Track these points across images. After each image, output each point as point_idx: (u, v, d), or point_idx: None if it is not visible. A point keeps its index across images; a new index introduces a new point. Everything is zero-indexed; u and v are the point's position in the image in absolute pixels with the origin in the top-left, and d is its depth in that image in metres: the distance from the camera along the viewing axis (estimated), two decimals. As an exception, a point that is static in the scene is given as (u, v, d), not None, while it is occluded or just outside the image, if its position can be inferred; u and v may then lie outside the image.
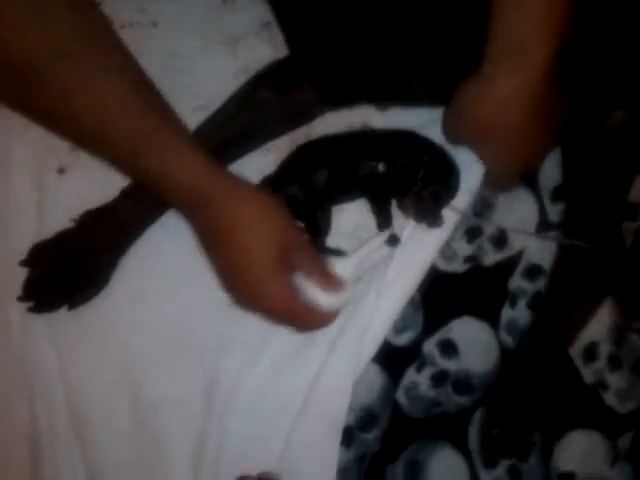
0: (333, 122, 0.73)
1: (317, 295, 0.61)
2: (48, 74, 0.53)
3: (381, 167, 0.68)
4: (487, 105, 0.62)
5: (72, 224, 0.69)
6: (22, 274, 0.68)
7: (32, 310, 0.67)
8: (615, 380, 0.70)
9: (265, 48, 0.75)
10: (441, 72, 0.64)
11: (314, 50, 0.70)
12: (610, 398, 0.70)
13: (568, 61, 0.62)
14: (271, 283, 0.59)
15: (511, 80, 0.59)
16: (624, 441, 0.70)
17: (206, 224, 0.59)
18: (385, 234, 0.68)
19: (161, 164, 0.57)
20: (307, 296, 0.61)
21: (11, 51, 0.51)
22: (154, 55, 0.74)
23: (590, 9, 0.61)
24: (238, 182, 0.61)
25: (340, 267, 0.64)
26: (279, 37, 0.75)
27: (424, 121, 0.70)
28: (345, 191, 0.70)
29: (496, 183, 0.70)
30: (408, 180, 0.68)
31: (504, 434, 0.69)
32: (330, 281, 0.62)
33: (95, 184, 0.70)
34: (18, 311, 0.68)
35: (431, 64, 0.66)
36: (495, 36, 0.59)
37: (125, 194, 0.69)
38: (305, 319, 0.62)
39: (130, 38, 0.73)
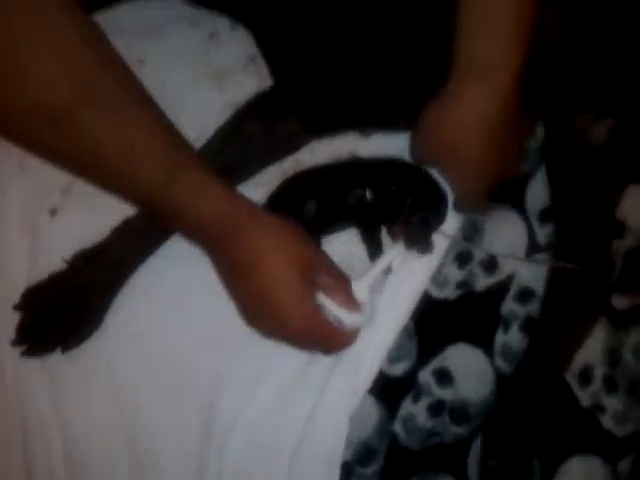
0: (320, 152, 0.74)
1: (341, 314, 0.61)
2: (77, 118, 0.52)
3: (369, 195, 0.68)
4: (452, 125, 0.61)
5: (64, 265, 0.69)
6: (15, 315, 0.68)
7: (25, 354, 0.67)
8: (611, 403, 0.70)
9: (252, 82, 0.76)
10: (417, 98, 0.64)
11: (297, 79, 0.71)
12: (607, 421, 0.70)
13: (548, 68, 0.62)
14: (298, 305, 0.59)
15: (476, 98, 0.59)
16: (624, 465, 0.69)
17: (229, 253, 0.59)
18: (392, 253, 0.68)
19: (186, 198, 0.56)
20: (331, 316, 0.61)
21: (40, 97, 0.51)
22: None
23: (569, 10, 0.61)
24: (258, 209, 0.62)
25: (356, 289, 0.64)
26: (265, 70, 0.75)
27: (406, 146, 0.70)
28: (335, 221, 0.71)
29: (465, 204, 0.69)
30: (397, 207, 0.68)
31: (503, 465, 0.68)
32: (353, 300, 0.62)
33: (87, 225, 0.71)
34: (11, 354, 0.67)
35: (407, 90, 0.66)
36: (460, 53, 0.58)
37: (115, 233, 0.69)
38: (332, 339, 0.62)
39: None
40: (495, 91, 0.58)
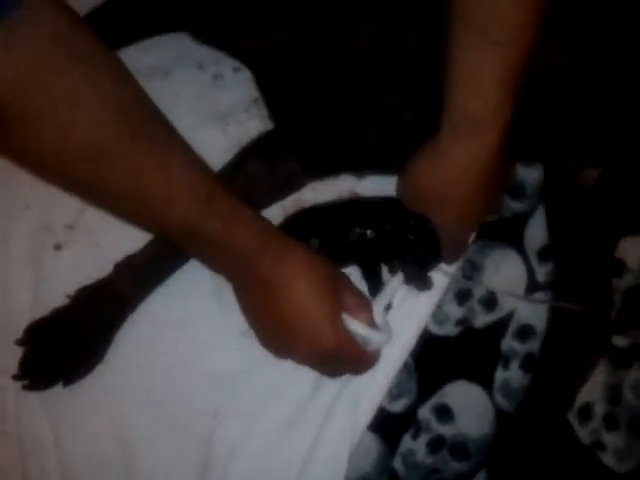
0: (322, 191, 0.75)
1: (368, 333, 0.63)
2: (120, 154, 0.52)
3: (369, 233, 0.69)
4: (441, 175, 0.62)
5: (67, 300, 0.69)
6: (18, 350, 0.68)
7: (27, 388, 0.67)
8: (612, 440, 0.70)
9: (254, 123, 0.77)
10: (408, 142, 0.65)
11: (296, 124, 0.72)
12: (608, 458, 0.70)
13: (544, 106, 0.63)
14: (329, 326, 0.61)
15: (465, 152, 0.60)
16: (625, 501, 0.69)
17: (259, 276, 0.60)
18: (398, 279, 0.69)
19: (220, 223, 0.57)
20: (357, 336, 0.63)
21: (86, 137, 0.50)
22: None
23: (576, 43, 0.61)
24: (283, 234, 0.63)
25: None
26: (267, 112, 0.77)
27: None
28: (336, 258, 0.71)
29: (447, 248, 0.69)
30: (396, 245, 0.69)
31: None
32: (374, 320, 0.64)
33: (91, 260, 0.71)
34: (12, 385, 0.67)
35: (398, 135, 0.67)
36: (450, 109, 0.60)
37: (118, 269, 0.70)
38: (360, 359, 0.64)
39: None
40: (483, 146, 0.60)
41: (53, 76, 0.48)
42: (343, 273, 0.66)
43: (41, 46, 0.48)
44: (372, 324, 0.64)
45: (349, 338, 0.62)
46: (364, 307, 0.64)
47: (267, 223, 0.62)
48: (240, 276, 0.62)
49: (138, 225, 0.62)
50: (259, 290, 0.61)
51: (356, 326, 0.63)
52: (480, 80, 0.58)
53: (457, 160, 0.61)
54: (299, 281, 0.60)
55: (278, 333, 0.63)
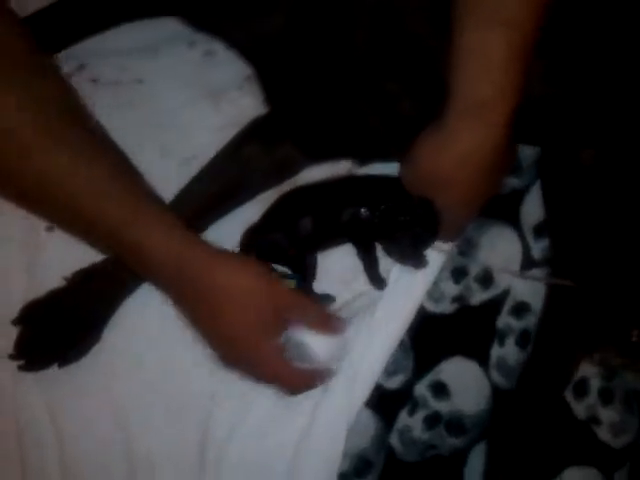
0: (318, 170, 0.74)
1: (315, 343, 0.63)
2: (42, 149, 0.53)
3: (364, 212, 0.69)
4: (448, 159, 0.62)
5: (63, 282, 0.69)
6: (13, 331, 0.68)
7: (22, 369, 0.67)
8: (607, 415, 0.70)
9: (247, 100, 0.77)
10: (409, 130, 0.64)
11: (294, 110, 0.71)
12: (603, 433, 0.70)
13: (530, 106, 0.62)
14: (265, 347, 0.61)
15: (472, 136, 0.60)
16: (620, 476, 0.69)
17: (193, 296, 0.60)
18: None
19: (147, 239, 0.58)
20: (303, 349, 0.63)
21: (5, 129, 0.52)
22: (139, 111, 0.76)
23: (552, 53, 0.61)
24: (221, 251, 0.62)
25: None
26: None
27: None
28: (330, 237, 0.71)
29: (449, 230, 0.69)
30: (391, 224, 0.68)
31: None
32: (330, 322, 0.64)
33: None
34: (8, 366, 0.67)
35: (399, 123, 0.66)
36: (456, 92, 0.59)
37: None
38: (297, 379, 0.64)
39: (115, 96, 0.75)
40: (490, 128, 0.59)
41: None
42: (285, 282, 0.65)
43: None
44: (329, 327, 0.64)
45: (283, 359, 0.62)
46: (316, 317, 0.63)
47: (204, 243, 0.62)
48: (173, 293, 0.62)
49: (75, 235, 0.63)
50: (195, 307, 0.62)
51: (302, 339, 0.62)
52: (486, 62, 0.57)
53: (463, 142, 0.60)
54: (236, 303, 0.60)
55: (219, 349, 0.63)
